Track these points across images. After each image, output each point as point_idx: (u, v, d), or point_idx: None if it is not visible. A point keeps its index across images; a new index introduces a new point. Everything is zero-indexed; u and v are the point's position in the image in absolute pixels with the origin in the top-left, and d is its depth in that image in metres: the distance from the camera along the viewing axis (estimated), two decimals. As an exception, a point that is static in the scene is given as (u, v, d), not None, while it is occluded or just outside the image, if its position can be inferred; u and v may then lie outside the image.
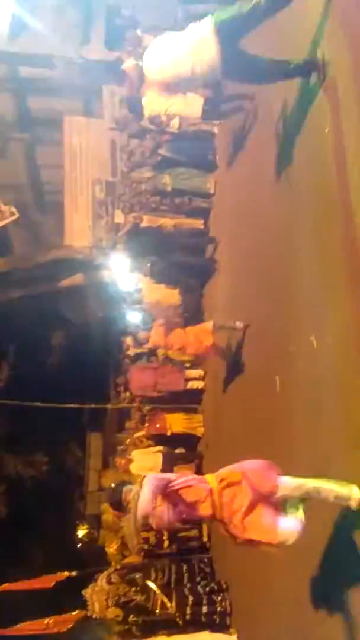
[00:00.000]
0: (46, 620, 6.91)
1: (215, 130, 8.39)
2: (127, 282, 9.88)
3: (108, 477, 10.67)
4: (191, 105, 6.59)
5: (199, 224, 8.80)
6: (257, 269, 5.86)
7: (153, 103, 5.29)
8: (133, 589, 6.46)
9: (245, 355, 6.26)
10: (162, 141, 8.79)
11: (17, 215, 10.21)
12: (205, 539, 7.66)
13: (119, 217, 9.85)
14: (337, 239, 3.77)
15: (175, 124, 8.30)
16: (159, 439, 9.02)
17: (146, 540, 7.52)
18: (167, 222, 8.84)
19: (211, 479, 3.25)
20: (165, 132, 8.67)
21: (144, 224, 9.05)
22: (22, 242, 11.94)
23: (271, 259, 5.28)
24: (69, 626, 6.76)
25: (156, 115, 7.03)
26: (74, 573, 7.61)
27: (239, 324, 6.18)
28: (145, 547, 7.45)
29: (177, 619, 5.93)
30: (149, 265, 8.81)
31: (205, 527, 7.77)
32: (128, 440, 10.13)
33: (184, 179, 8.73)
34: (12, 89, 11.69)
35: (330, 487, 3.05)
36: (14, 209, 10.41)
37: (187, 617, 5.93)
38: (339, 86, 3.72)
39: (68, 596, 7.35)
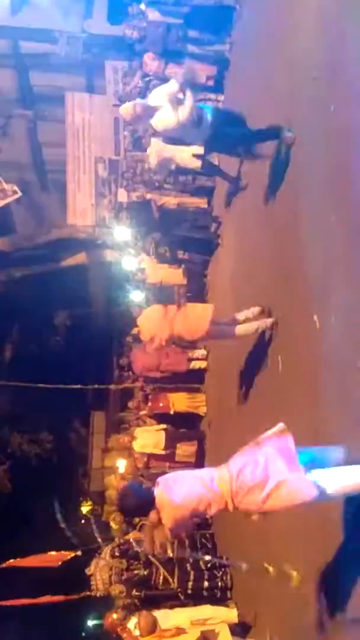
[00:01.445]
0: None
1: (219, 104, 8.25)
2: (130, 262, 9.84)
3: (111, 456, 10.80)
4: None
5: (202, 203, 8.72)
6: (261, 249, 5.83)
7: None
8: (136, 562, 6.58)
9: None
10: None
11: (19, 194, 10.17)
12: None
13: (122, 196, 9.77)
14: (342, 218, 3.74)
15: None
16: (161, 417, 9.10)
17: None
18: (171, 200, 8.76)
19: (225, 489, 2.97)
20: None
21: (147, 203, 8.97)
22: (25, 222, 11.90)
23: (275, 238, 5.25)
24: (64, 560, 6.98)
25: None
26: (79, 553, 7.77)
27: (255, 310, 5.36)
28: (148, 523, 7.58)
29: (179, 594, 6.06)
30: (152, 243, 8.75)
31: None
32: (131, 419, 10.23)
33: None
34: (13, 65, 11.53)
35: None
36: (16, 188, 10.36)
37: (189, 591, 6.06)
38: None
39: (72, 574, 7.50)
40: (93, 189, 10.80)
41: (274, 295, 5.21)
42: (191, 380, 9.09)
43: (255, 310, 5.37)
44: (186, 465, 8.67)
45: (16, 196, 10.48)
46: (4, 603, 7.29)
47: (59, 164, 11.44)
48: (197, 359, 9.03)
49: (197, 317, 5.53)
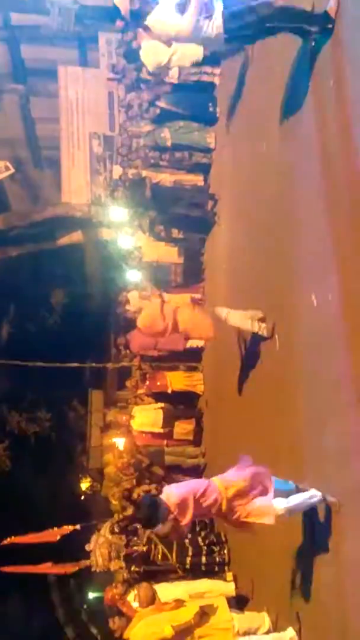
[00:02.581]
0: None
1: (216, 80, 8.08)
2: (126, 240, 9.75)
3: (110, 435, 10.87)
4: (191, 50, 6.23)
5: (199, 180, 8.60)
6: (258, 225, 5.77)
7: (153, 51, 5.05)
8: (135, 539, 6.67)
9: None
10: (161, 92, 8.48)
11: (12, 170, 9.99)
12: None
13: (118, 173, 9.61)
14: (339, 195, 3.69)
15: (174, 74, 7.98)
16: (159, 396, 9.14)
17: (147, 493, 7.74)
18: (167, 177, 8.63)
19: (219, 483, 3.69)
20: (164, 83, 8.35)
21: (142, 180, 8.84)
22: (19, 199, 11.74)
23: (272, 216, 5.20)
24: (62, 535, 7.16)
25: (156, 65, 6.73)
26: (78, 527, 7.88)
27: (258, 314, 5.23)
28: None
29: (178, 569, 6.16)
30: (148, 220, 8.65)
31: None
32: (129, 398, 10.28)
33: (184, 133, 8.46)
34: (4, 38, 11.22)
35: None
36: (9, 164, 10.17)
37: (187, 566, 6.16)
38: (344, 39, 3.55)
39: (72, 548, 7.63)
40: (88, 166, 10.62)
41: (271, 273, 5.18)
42: (188, 359, 9.10)
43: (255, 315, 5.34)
44: (184, 442, 8.76)
45: (9, 173, 10.31)
46: (6, 569, 7.43)
47: (52, 140, 11.23)
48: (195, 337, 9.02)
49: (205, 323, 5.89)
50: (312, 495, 3.55)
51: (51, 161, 11.39)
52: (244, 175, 6.56)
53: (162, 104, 8.40)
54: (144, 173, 8.72)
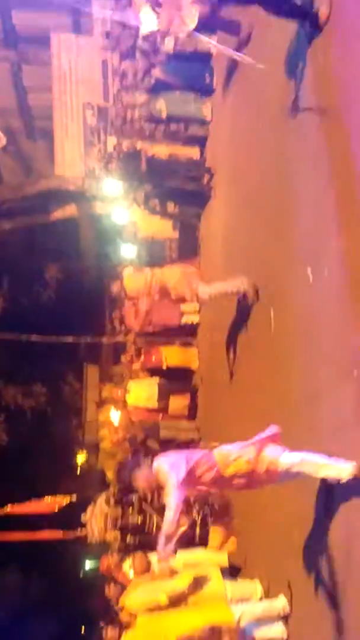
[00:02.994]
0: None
1: (213, 50, 7.86)
2: (121, 214, 9.64)
3: (105, 410, 10.96)
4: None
5: (195, 153, 8.46)
6: (254, 200, 5.70)
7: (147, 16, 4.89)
8: (130, 509, 6.78)
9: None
10: (156, 62, 8.26)
11: (4, 141, 9.74)
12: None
13: (112, 145, 9.43)
14: (337, 169, 3.64)
15: (169, 43, 7.75)
16: (154, 371, 9.17)
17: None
18: (162, 150, 8.48)
19: (219, 457, 3.51)
20: (159, 53, 8.12)
21: (137, 152, 8.69)
22: (11, 172, 11.54)
23: (268, 190, 5.13)
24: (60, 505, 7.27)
25: (150, 33, 6.52)
26: (74, 498, 8.01)
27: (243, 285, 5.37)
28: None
29: (172, 540, 6.27)
30: (142, 194, 8.54)
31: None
32: (124, 373, 10.33)
33: (180, 104, 8.28)
34: (-6, 2, 10.83)
35: (322, 464, 3.28)
36: (1, 135, 9.93)
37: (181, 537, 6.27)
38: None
39: (68, 519, 7.77)
40: (82, 138, 10.38)
41: (267, 248, 5.14)
42: (184, 334, 9.11)
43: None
44: (178, 417, 8.84)
45: (1, 144, 10.06)
46: (5, 536, 7.58)
47: (45, 110, 10.96)
48: (190, 313, 9.02)
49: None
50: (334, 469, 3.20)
51: (44, 132, 11.15)
52: (241, 148, 6.45)
53: (157, 73, 8.19)
54: (139, 145, 8.57)
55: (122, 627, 4.47)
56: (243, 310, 5.83)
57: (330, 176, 3.74)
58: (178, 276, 5.97)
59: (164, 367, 8.94)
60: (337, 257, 3.63)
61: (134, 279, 6.29)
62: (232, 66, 6.59)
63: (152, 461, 3.53)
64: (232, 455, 3.47)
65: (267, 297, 5.15)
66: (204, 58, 8.04)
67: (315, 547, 3.74)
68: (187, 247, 8.87)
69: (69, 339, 10.77)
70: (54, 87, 10.54)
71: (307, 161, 4.16)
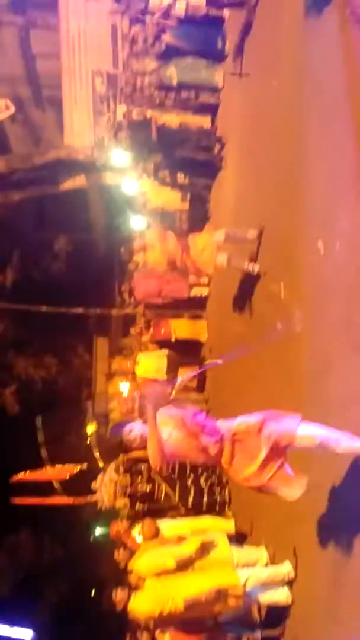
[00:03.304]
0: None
1: (225, 14, 7.62)
2: (131, 185, 9.52)
3: (115, 382, 11.05)
4: None
5: (206, 121, 8.29)
6: (266, 171, 5.60)
7: None
8: (139, 478, 6.91)
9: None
10: (167, 27, 8.03)
11: (12, 110, 9.62)
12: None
13: (122, 114, 9.26)
14: (348, 139, 3.55)
15: (181, 6, 7.53)
16: (163, 343, 9.21)
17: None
18: (173, 119, 8.32)
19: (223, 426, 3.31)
20: (170, 17, 7.89)
21: (147, 121, 8.53)
22: (20, 141, 11.40)
23: (280, 160, 5.03)
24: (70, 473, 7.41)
25: None
26: (84, 466, 8.17)
27: (252, 233, 5.62)
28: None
29: (180, 508, 6.40)
30: (152, 165, 8.42)
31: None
32: (134, 345, 10.37)
33: (191, 71, 8.09)
34: (1, -36, 10.56)
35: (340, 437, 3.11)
36: (9, 102, 9.78)
37: (189, 506, 6.40)
38: None
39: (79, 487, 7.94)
40: (91, 106, 10.20)
41: (278, 220, 5.08)
42: (193, 306, 9.10)
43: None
44: (187, 390, 8.90)
45: (10, 112, 9.93)
46: (20, 500, 7.78)
47: (53, 78, 10.76)
48: (199, 285, 8.99)
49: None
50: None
51: (53, 100, 10.97)
52: (253, 116, 6.31)
53: (168, 38, 7.98)
54: (149, 114, 8.41)
55: (131, 589, 4.61)
56: (253, 283, 5.80)
57: (346, 142, 3.65)
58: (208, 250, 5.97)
59: (173, 340, 8.96)
60: (349, 230, 3.57)
61: (159, 247, 6.33)
62: (245, 30, 6.40)
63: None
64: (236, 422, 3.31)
65: (277, 269, 5.11)
66: (216, 22, 7.82)
67: (320, 514, 3.80)
68: (197, 218, 8.78)
69: (79, 311, 10.81)
70: (63, 53, 10.32)
71: (323, 128, 4.07)
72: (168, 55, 8.16)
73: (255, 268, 5.65)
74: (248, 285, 5.94)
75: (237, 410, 3.92)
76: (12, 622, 8.12)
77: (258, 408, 3.74)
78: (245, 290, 6.06)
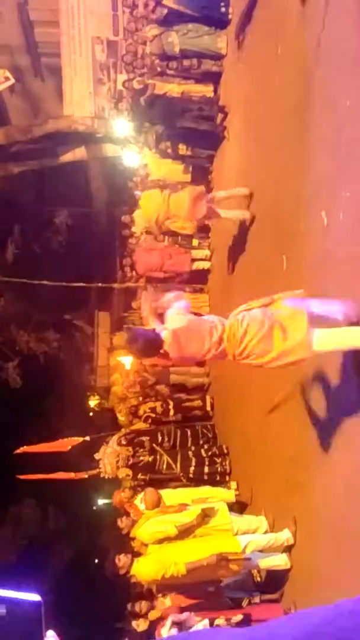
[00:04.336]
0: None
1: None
2: (132, 157, 9.38)
3: (116, 355, 11.10)
4: None
5: (208, 91, 8.11)
6: (268, 141, 5.51)
7: None
8: (141, 450, 7.01)
9: (253, 233, 6.14)
10: (169, -10, 7.80)
11: (12, 81, 9.42)
12: (208, 408, 8.17)
13: (122, 83, 9.07)
14: (353, 108, 3.48)
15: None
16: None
17: (153, 409, 8.03)
18: (174, 88, 8.15)
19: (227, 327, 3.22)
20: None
21: (149, 91, 8.35)
22: (19, 112, 11.22)
23: (283, 130, 4.95)
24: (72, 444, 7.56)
25: None
26: (87, 438, 8.26)
27: (242, 190, 5.95)
28: (153, 415, 7.98)
29: (181, 478, 6.51)
30: (154, 137, 8.28)
31: (208, 398, 8.24)
32: (135, 319, 10.37)
33: (193, 38, 7.87)
34: None
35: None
36: (8, 74, 9.58)
37: (190, 475, 6.51)
38: None
39: (81, 461, 8.05)
40: (91, 75, 9.98)
41: (281, 191, 5.02)
42: (194, 280, 9.07)
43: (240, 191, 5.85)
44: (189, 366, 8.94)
45: (9, 83, 9.74)
46: (25, 477, 7.91)
47: (53, 46, 10.51)
48: (201, 259, 8.95)
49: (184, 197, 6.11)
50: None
51: (52, 69, 10.74)
52: (256, 85, 6.17)
53: (169, 2, 7.75)
54: (150, 83, 8.23)
55: (134, 554, 4.72)
56: (256, 255, 5.77)
57: (350, 109, 3.58)
58: (187, 204, 6.19)
59: (175, 313, 8.96)
60: (353, 201, 3.53)
61: (150, 197, 6.54)
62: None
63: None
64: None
65: (280, 241, 5.07)
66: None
67: (319, 484, 3.86)
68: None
69: (80, 284, 10.78)
70: (62, 20, 10.05)
71: (328, 96, 3.98)
72: (169, 21, 7.94)
73: (246, 214, 5.87)
74: (252, 256, 5.91)
75: (239, 383, 3.96)
76: (19, 588, 8.33)
77: (258, 384, 3.78)
78: (249, 262, 6.02)
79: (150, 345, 3.25)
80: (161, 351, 3.27)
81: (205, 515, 4.61)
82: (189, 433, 7.15)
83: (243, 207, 6.14)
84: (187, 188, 6.81)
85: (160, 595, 4.90)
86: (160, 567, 4.18)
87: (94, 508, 11.74)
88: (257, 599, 4.63)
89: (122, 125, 9.31)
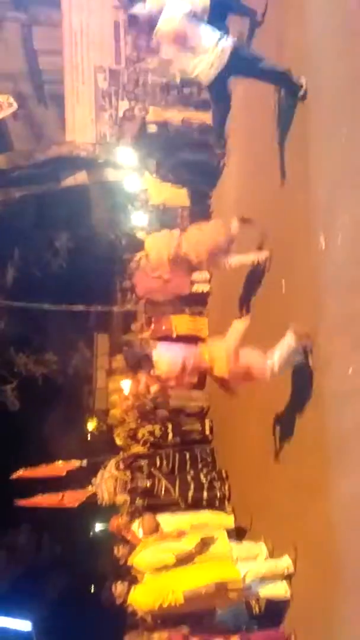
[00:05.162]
0: (60, 495, 7.54)
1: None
2: (132, 182, 9.52)
3: (115, 379, 11.06)
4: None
5: (207, 117, 8.28)
6: (267, 167, 5.59)
7: None
8: (139, 474, 6.91)
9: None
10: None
11: (15, 107, 9.61)
12: (207, 432, 8.10)
13: (123, 110, 9.26)
14: (354, 131, 3.55)
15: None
16: (164, 340, 9.19)
17: (152, 432, 7.96)
18: (175, 115, 8.32)
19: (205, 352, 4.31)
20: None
21: (149, 119, 8.52)
22: (22, 137, 11.41)
23: (282, 155, 5.02)
24: (81, 502, 7.37)
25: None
26: (84, 463, 8.15)
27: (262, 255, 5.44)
28: (151, 439, 7.90)
29: (180, 503, 6.41)
30: (154, 161, 8.42)
31: (207, 421, 8.18)
32: (134, 342, 10.36)
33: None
34: None
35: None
36: (12, 100, 9.77)
37: (189, 501, 6.41)
38: None
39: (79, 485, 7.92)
40: (93, 102, 10.19)
41: (280, 216, 5.08)
42: (194, 303, 9.10)
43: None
44: (188, 387, 8.89)
45: (12, 109, 9.92)
46: (22, 502, 7.77)
47: (56, 74, 10.76)
48: (200, 282, 8.99)
49: (205, 234, 5.68)
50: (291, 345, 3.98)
51: (55, 96, 10.98)
52: (255, 111, 6.30)
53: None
54: (151, 110, 8.41)
55: (131, 582, 4.62)
56: (254, 279, 5.80)
57: (347, 138, 3.65)
58: (194, 235, 5.84)
59: (174, 336, 8.95)
60: (350, 224, 3.57)
61: (159, 239, 6.21)
62: (252, 25, 6.38)
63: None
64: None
65: (279, 265, 5.11)
66: (220, 17, 7.78)
67: (320, 510, 3.81)
68: (199, 215, 8.77)
69: (80, 308, 10.82)
70: (65, 49, 10.32)
71: (323, 123, 4.06)
72: (171, 51, 8.14)
73: (262, 255, 5.45)
74: (250, 279, 5.93)
75: (239, 403, 3.95)
76: (12, 615, 8.13)
77: (257, 408, 3.77)
78: (248, 286, 6.05)
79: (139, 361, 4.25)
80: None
81: (205, 543, 4.53)
82: (187, 457, 7.07)
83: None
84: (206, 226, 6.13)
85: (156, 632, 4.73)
86: (157, 596, 4.09)
87: (91, 534, 11.54)
88: (255, 628, 4.52)
89: (123, 151, 9.47)
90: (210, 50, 4.23)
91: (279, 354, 4.07)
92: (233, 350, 4.09)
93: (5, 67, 11.00)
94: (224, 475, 6.63)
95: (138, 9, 4.32)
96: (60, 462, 8.38)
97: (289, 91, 4.53)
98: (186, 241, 5.76)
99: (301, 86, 4.33)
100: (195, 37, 4.24)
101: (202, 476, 6.58)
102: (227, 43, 4.25)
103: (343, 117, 3.72)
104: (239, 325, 4.28)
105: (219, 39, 4.24)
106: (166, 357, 4.23)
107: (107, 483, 7.25)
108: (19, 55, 11.23)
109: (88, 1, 10.21)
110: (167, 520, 5.31)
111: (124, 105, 9.25)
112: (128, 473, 6.95)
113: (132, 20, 4.41)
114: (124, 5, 9.18)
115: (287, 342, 4.08)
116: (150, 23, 4.27)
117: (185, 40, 4.27)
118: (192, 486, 6.50)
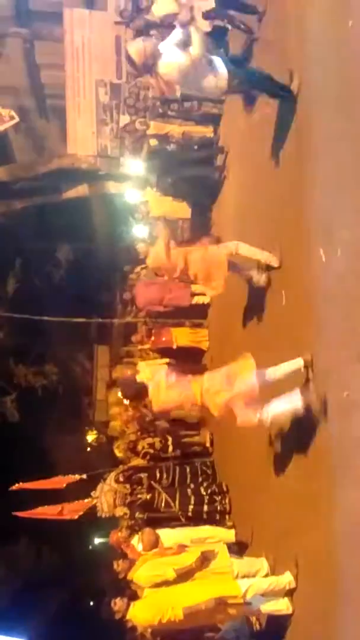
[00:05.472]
0: (59, 507, 7.47)
1: (230, 26, 7.69)
2: (133, 194, 9.58)
3: (115, 391, 11.03)
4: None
5: (208, 131, 8.35)
6: (267, 180, 5.63)
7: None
8: (139, 487, 6.87)
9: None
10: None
11: (17, 120, 9.69)
12: (207, 444, 8.06)
13: (124, 123, 9.34)
14: (354, 145, 3.58)
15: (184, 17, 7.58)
16: (164, 352, 9.20)
17: (152, 445, 7.92)
18: (175, 129, 8.38)
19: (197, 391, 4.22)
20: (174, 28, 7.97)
21: (150, 132, 8.59)
22: (23, 150, 11.50)
23: (282, 168, 5.06)
24: (80, 514, 7.31)
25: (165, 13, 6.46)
26: (84, 476, 8.10)
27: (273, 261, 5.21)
28: (151, 451, 7.86)
29: (180, 517, 6.36)
30: (155, 174, 8.47)
31: (207, 434, 8.15)
32: (135, 353, 10.37)
33: (194, 83, 8.13)
34: (6, -23, 10.72)
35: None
36: (13, 113, 9.86)
37: (189, 514, 6.36)
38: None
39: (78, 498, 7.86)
40: (94, 116, 10.28)
41: (280, 228, 5.10)
42: (194, 315, 9.10)
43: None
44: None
45: (14, 122, 10.00)
46: (21, 514, 7.71)
47: (58, 88, 10.87)
48: (201, 294, 9.00)
49: (216, 264, 5.45)
50: (293, 400, 3.92)
51: (56, 110, 11.08)
52: (255, 126, 6.35)
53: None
54: (152, 124, 8.48)
55: (130, 598, 4.57)
56: (254, 292, 5.80)
57: (347, 151, 3.68)
58: (200, 256, 5.67)
59: (174, 348, 8.95)
60: (351, 238, 3.59)
61: (156, 254, 6.01)
62: (249, 39, 6.46)
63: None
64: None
65: (279, 277, 5.12)
66: (220, 33, 7.88)
67: (322, 525, 3.77)
68: (200, 227, 8.82)
69: (80, 319, 10.83)
70: (67, 64, 10.42)
71: (323, 136, 4.10)
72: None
73: (262, 278, 5.32)
74: (251, 291, 5.94)
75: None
76: (8, 633, 8.03)
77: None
78: (248, 297, 6.06)
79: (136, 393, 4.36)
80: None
81: (205, 558, 4.48)
82: (188, 470, 7.03)
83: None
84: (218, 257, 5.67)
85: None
86: (157, 612, 4.04)
87: (90, 548, 11.43)
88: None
89: (123, 163, 9.55)
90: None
91: (279, 411, 3.97)
92: (224, 404, 4.04)
93: (7, 81, 11.11)
94: (224, 488, 6.58)
95: (133, 49, 4.45)
96: (59, 475, 8.33)
97: (286, 102, 4.54)
98: (192, 259, 5.65)
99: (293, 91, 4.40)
100: (198, 78, 4.55)
101: (202, 489, 6.54)
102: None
103: (343, 130, 3.75)
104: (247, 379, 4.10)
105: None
106: (162, 396, 4.28)
107: (106, 496, 7.21)
108: (21, 70, 11.35)
109: (90, 17, 10.35)
110: (167, 535, 5.26)
111: (125, 119, 9.34)
112: (128, 486, 6.91)
113: (130, 61, 4.56)
114: (127, 19, 9.31)
115: (294, 405, 3.94)
116: (146, 67, 4.42)
117: (187, 82, 4.48)
118: (192, 499, 6.45)
